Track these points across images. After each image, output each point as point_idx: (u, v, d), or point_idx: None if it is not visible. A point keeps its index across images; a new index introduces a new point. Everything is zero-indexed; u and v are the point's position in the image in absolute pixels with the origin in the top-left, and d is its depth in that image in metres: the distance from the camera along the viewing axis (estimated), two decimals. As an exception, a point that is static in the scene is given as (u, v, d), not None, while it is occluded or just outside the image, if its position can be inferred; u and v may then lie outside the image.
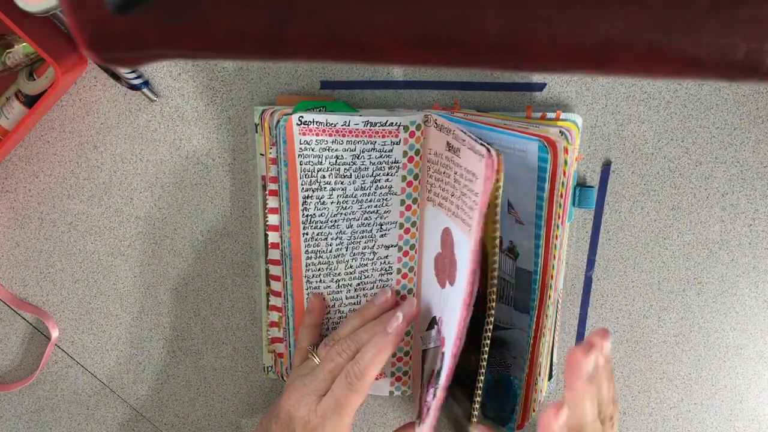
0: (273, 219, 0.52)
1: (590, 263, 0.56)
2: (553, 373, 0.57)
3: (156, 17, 0.22)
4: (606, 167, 0.54)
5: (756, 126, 0.52)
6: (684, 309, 0.57)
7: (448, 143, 0.48)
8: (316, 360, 0.50)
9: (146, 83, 0.53)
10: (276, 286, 0.54)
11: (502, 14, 0.21)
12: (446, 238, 0.50)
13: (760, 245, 0.55)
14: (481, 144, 0.43)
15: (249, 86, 0.53)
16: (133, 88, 0.53)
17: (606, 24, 0.20)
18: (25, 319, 0.60)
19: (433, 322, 0.53)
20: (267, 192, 0.51)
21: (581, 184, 0.54)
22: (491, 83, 0.53)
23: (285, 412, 0.49)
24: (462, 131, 0.46)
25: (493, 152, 0.42)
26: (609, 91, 0.52)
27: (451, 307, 0.48)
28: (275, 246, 0.53)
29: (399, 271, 0.53)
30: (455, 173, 0.48)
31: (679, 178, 0.54)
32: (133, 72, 0.52)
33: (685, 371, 0.58)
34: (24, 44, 0.50)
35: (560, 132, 0.49)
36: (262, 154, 0.53)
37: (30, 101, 0.52)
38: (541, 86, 0.52)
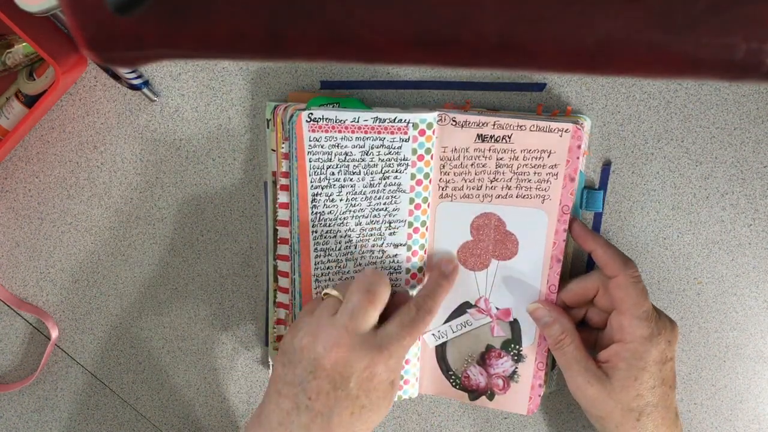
0: (283, 214, 0.52)
1: (590, 263, 0.56)
2: (554, 373, 0.57)
3: (156, 17, 0.22)
4: (606, 167, 0.54)
5: (756, 126, 0.53)
6: (684, 309, 0.57)
7: (479, 135, 0.49)
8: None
9: (146, 83, 0.53)
10: (284, 282, 0.54)
11: (502, 13, 0.21)
12: (485, 222, 0.52)
13: (760, 245, 0.55)
14: (555, 122, 0.49)
15: (249, 86, 0.53)
16: (133, 88, 0.53)
17: (606, 24, 0.21)
18: (25, 319, 0.60)
19: (464, 308, 0.54)
20: (278, 187, 0.51)
21: (589, 187, 0.54)
22: (491, 83, 0.53)
23: (332, 369, 0.43)
24: (511, 119, 0.49)
25: (578, 125, 0.49)
26: (609, 91, 0.52)
27: (528, 270, 0.52)
28: (285, 242, 0.53)
29: (408, 270, 0.53)
30: (501, 159, 0.50)
31: (679, 178, 0.54)
32: (133, 72, 0.52)
33: (685, 371, 0.58)
34: (24, 44, 0.50)
35: (578, 121, 0.50)
36: (273, 150, 0.53)
37: (30, 101, 0.52)
38: (541, 86, 0.52)
